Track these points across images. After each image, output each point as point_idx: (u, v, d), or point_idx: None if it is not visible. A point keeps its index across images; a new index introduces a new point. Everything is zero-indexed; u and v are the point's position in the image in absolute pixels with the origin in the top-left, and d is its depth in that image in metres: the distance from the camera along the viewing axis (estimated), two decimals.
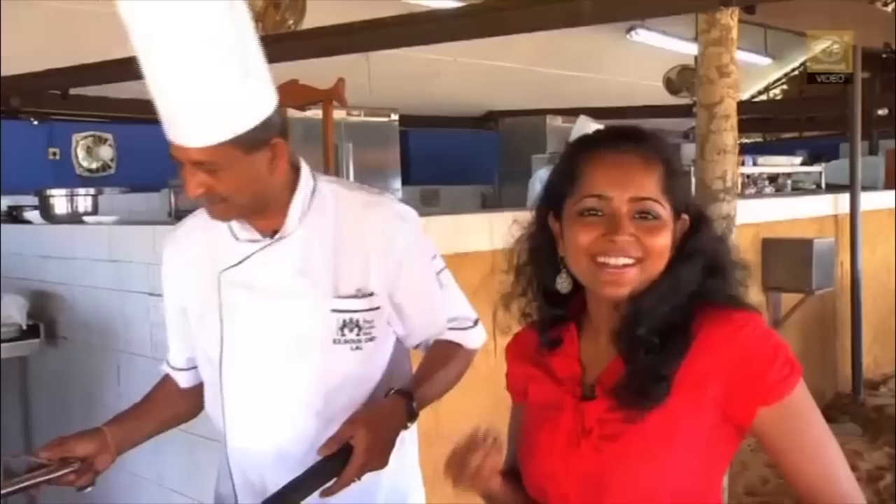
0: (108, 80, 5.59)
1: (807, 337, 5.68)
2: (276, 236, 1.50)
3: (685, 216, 1.17)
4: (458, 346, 1.63)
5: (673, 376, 1.10)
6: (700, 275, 1.15)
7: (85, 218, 3.73)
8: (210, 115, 1.31)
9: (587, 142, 1.21)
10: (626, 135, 1.18)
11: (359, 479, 1.39)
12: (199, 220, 1.57)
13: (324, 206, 1.53)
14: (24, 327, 3.29)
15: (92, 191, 4.02)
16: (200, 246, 1.57)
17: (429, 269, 1.61)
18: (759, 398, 1.08)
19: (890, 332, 6.78)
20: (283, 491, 1.37)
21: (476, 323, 1.67)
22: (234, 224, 1.50)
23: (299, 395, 1.52)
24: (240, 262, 1.51)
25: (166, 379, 1.73)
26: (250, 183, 1.40)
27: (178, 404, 1.71)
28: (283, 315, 1.50)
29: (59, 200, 3.85)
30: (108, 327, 3.24)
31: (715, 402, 1.10)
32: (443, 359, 1.61)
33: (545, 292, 1.23)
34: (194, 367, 1.68)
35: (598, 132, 1.25)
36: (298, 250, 1.50)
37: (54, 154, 7.10)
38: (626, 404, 1.12)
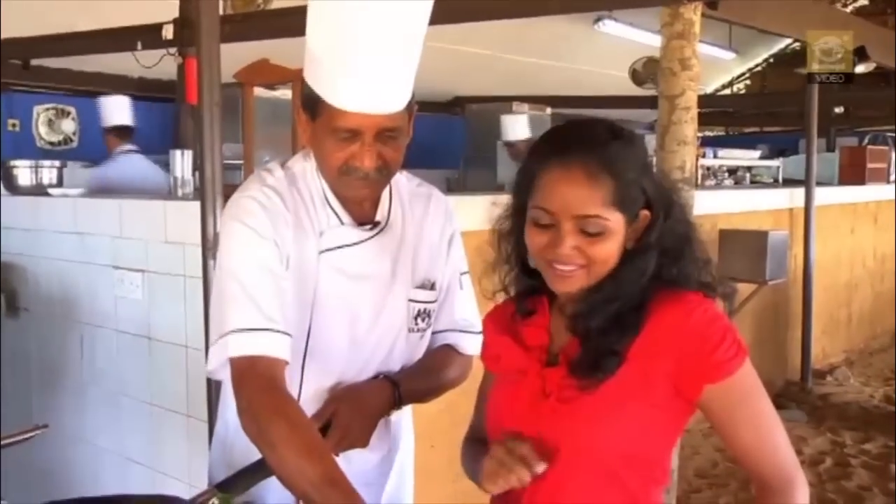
0: (74, 52, 5.52)
1: (759, 326, 5.83)
2: (381, 227, 1.51)
3: (645, 212, 1.24)
4: (457, 353, 1.65)
5: (625, 351, 1.20)
6: (657, 260, 1.23)
7: (50, 190, 3.71)
8: (402, 80, 1.36)
9: (543, 145, 1.26)
10: (576, 144, 1.21)
11: (336, 454, 1.38)
12: (286, 185, 1.47)
13: (399, 195, 1.56)
14: None
15: (57, 163, 3.99)
16: (300, 210, 1.47)
17: (460, 265, 1.65)
18: (706, 376, 1.18)
19: (838, 323, 7.00)
20: (252, 466, 1.39)
21: (479, 332, 1.67)
22: (336, 204, 1.48)
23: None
24: (346, 246, 1.48)
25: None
26: (404, 149, 1.44)
27: None
28: (375, 303, 1.50)
29: (23, 172, 3.81)
30: (72, 299, 3.24)
31: (666, 376, 1.19)
32: (439, 363, 1.63)
33: (522, 265, 1.32)
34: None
35: (554, 131, 1.28)
36: (395, 240, 1.53)
37: (14, 125, 6.97)
38: (581, 376, 1.21)
